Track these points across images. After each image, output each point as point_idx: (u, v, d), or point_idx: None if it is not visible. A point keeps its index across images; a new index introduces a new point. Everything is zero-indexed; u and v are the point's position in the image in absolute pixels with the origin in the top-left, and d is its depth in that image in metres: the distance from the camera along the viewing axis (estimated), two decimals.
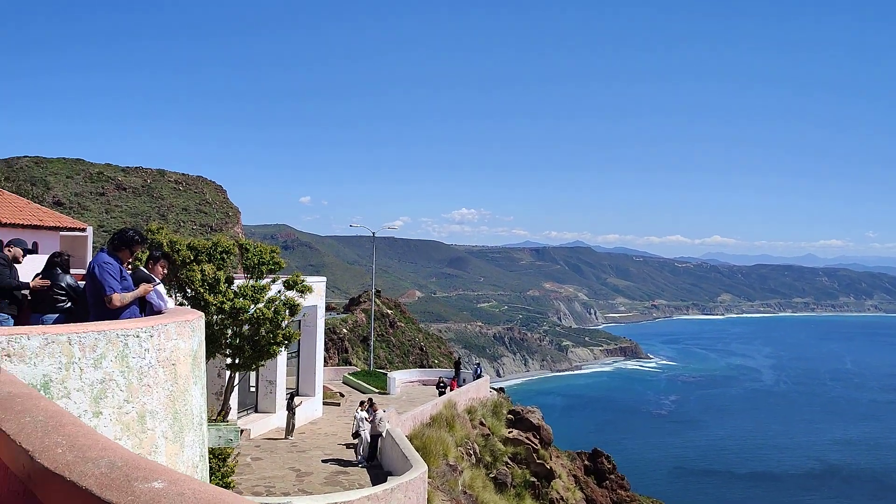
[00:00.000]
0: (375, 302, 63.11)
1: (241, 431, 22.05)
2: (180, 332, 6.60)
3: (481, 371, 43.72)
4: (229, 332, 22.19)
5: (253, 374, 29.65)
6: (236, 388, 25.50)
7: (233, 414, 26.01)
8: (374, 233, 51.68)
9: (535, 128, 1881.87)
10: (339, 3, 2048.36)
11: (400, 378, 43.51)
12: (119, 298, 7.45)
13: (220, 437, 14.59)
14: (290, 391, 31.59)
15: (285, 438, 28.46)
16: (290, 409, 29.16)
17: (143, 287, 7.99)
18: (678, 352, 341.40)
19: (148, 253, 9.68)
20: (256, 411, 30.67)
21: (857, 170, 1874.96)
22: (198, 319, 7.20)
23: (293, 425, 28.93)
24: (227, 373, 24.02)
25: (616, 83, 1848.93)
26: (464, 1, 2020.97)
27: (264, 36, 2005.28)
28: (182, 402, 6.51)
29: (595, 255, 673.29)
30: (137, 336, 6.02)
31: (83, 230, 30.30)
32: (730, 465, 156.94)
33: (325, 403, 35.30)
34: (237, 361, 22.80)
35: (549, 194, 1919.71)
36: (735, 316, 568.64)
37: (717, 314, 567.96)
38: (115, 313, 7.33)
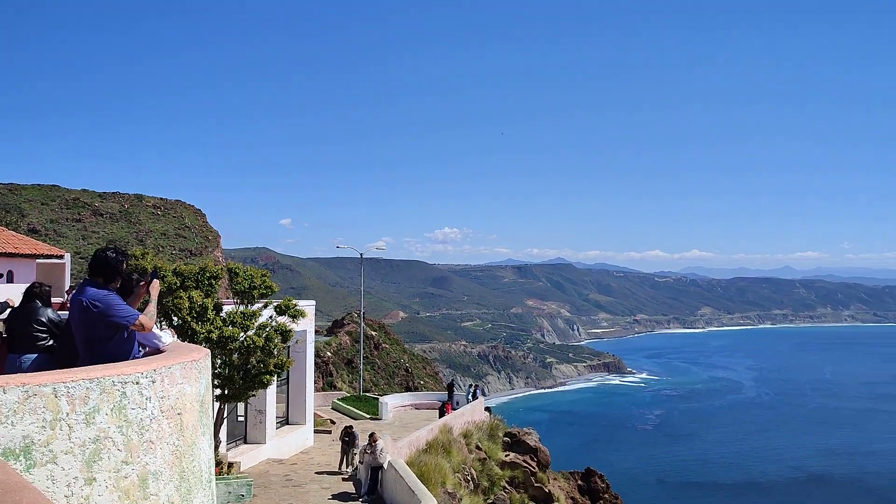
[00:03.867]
0: (360, 323, 61.88)
1: (251, 485, 20.68)
2: (186, 375, 5.54)
3: (478, 393, 42.64)
4: (218, 361, 21.07)
5: (241, 404, 28.43)
6: (225, 420, 24.27)
7: (221, 448, 24.75)
8: (361, 254, 50.66)
9: (516, 145, 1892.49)
10: (315, 18, 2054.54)
11: (392, 403, 42.32)
12: (146, 319, 6.46)
13: (230, 492, 13.34)
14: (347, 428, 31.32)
15: (339, 470, 27.71)
16: (345, 440, 28.45)
17: (154, 286, 7.06)
18: (661, 366, 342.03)
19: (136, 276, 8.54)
20: (245, 442, 29.39)
21: (831, 182, 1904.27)
22: (204, 358, 6.12)
23: (350, 458, 28.04)
24: (216, 405, 22.81)
25: (593, 101, 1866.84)
26: (438, 12, 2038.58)
27: (239, 56, 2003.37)
28: (189, 458, 5.46)
29: (576, 271, 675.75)
30: (137, 382, 4.94)
31: (61, 257, 29.04)
32: (715, 476, 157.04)
33: (316, 431, 34.10)
34: (227, 392, 21.63)
35: (530, 212, 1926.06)
36: (715, 329, 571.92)
37: (697, 327, 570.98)
38: (113, 353, 6.27)
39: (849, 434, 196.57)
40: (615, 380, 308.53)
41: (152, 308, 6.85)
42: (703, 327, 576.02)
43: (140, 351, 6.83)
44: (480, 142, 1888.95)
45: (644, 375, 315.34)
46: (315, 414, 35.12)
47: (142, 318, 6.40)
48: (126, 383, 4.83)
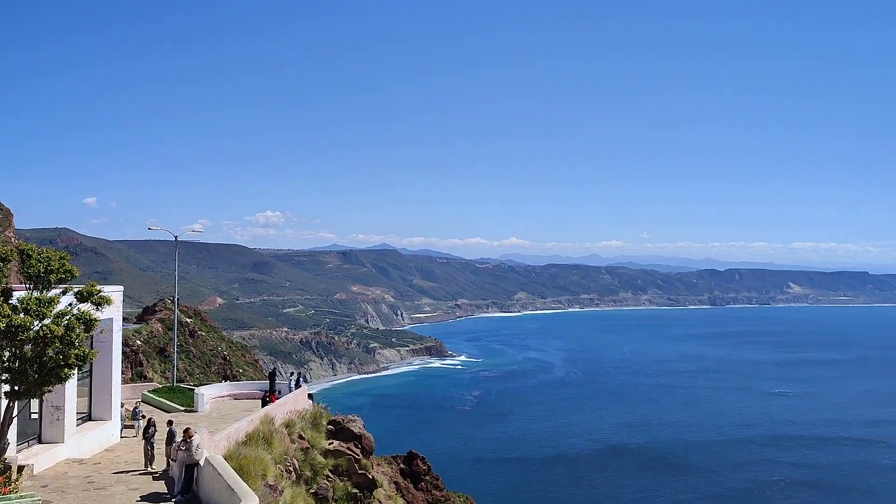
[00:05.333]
0: (174, 310, 58.32)
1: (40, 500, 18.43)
2: None
3: (301, 381, 41.54)
4: (6, 353, 18.75)
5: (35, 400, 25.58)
6: (15, 419, 21.70)
7: (11, 450, 22.13)
8: (176, 237, 47.52)
9: (341, 129, 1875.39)
10: None
11: (209, 393, 40.15)
12: None
13: None
14: (137, 411, 28.22)
15: (145, 469, 25.47)
16: (147, 435, 26.18)
17: None
18: (480, 348, 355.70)
19: None
20: (40, 442, 26.52)
21: (633, 174, 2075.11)
22: None
23: (153, 453, 25.81)
24: (4, 402, 20.30)
25: (419, 94, 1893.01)
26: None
27: (29, 17, 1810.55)
28: None
29: (401, 257, 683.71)
30: None
31: None
32: (527, 451, 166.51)
33: (124, 427, 31.60)
34: (17, 388, 19.33)
35: (356, 197, 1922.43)
36: (530, 312, 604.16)
37: (514, 311, 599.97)
38: None
39: (645, 408, 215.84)
40: (436, 363, 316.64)
41: None
42: (520, 311, 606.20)
43: None
44: (305, 121, 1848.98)
45: (463, 358, 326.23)
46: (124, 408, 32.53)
47: None
48: None
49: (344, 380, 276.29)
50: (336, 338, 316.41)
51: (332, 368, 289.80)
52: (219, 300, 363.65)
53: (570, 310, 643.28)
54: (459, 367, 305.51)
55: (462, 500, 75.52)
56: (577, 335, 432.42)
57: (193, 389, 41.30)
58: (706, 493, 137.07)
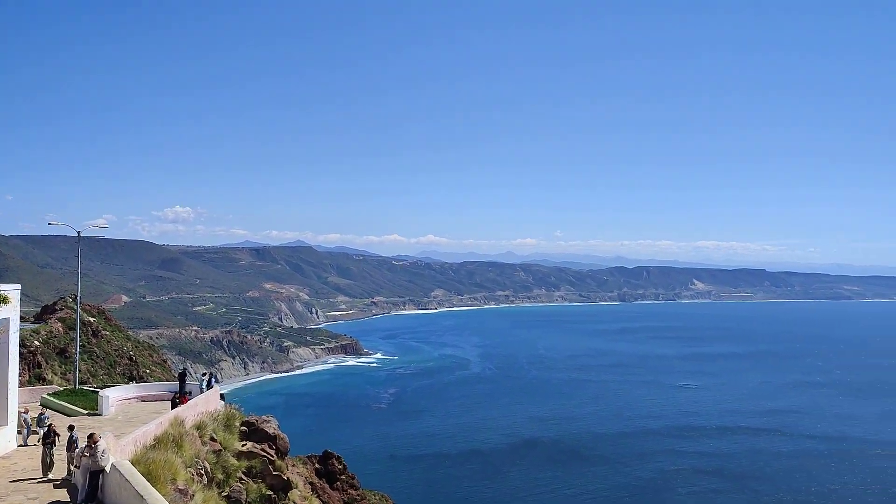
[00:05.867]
0: (76, 308, 55.71)
1: None
2: None
3: (212, 381, 40.34)
4: None
5: None
6: None
7: None
8: (79, 232, 45.30)
9: (252, 122, 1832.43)
10: None
11: (114, 396, 38.52)
12: None
13: None
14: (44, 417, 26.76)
15: (44, 477, 24.12)
16: (47, 441, 24.79)
17: None
18: (396, 346, 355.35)
19: None
20: None
21: (547, 174, 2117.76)
22: None
23: (52, 460, 24.43)
24: None
25: (330, 89, 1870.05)
26: None
27: None
28: None
29: (316, 254, 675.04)
30: None
31: None
32: (442, 447, 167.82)
33: (31, 432, 29.95)
34: None
35: (270, 193, 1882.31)
36: (447, 310, 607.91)
37: (431, 308, 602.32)
38: None
39: (557, 402, 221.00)
40: (352, 361, 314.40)
41: None
42: (437, 308, 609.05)
43: None
44: (215, 113, 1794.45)
45: (379, 356, 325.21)
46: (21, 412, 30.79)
47: None
48: None
49: (257, 379, 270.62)
50: (249, 336, 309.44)
51: (245, 368, 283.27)
52: (124, 298, 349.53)
53: (486, 306, 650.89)
54: (375, 364, 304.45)
55: (378, 498, 75.48)
56: (492, 331, 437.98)
57: (97, 392, 39.55)
58: (614, 484, 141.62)
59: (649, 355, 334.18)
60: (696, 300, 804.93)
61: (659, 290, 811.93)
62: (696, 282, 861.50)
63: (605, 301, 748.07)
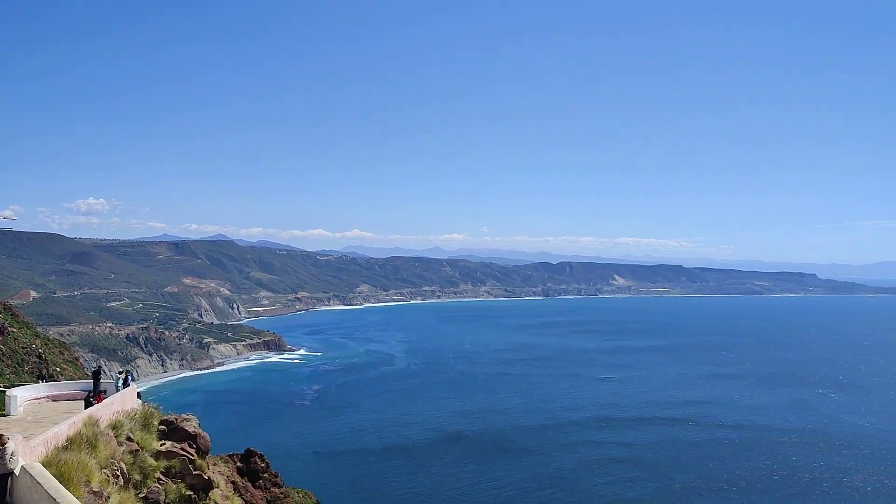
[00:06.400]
0: None
1: None
2: None
3: (129, 379, 38.95)
4: None
5: None
6: None
7: None
8: None
9: (170, 112, 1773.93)
10: None
11: (23, 395, 36.70)
12: None
13: None
14: None
15: None
16: None
17: None
18: (321, 342, 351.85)
19: None
20: None
21: (471, 170, 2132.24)
22: None
23: None
24: None
25: (251, 69, 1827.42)
26: None
27: None
28: None
29: (238, 248, 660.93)
30: None
31: None
32: (368, 443, 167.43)
33: None
34: None
35: (190, 185, 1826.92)
36: (373, 305, 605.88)
37: (356, 304, 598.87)
38: None
39: (482, 396, 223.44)
40: (274, 357, 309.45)
41: None
42: (362, 303, 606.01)
43: None
44: (130, 102, 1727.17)
45: (303, 352, 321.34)
46: None
47: None
48: None
49: (175, 377, 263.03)
50: (167, 333, 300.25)
51: (163, 365, 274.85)
52: (33, 294, 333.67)
53: (412, 302, 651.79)
54: (299, 361, 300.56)
55: (301, 495, 74.74)
56: (418, 327, 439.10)
57: (4, 391, 37.63)
58: (536, 474, 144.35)
59: (572, 349, 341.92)
60: (616, 295, 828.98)
61: (581, 285, 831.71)
62: (616, 277, 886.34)
63: (530, 296, 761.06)
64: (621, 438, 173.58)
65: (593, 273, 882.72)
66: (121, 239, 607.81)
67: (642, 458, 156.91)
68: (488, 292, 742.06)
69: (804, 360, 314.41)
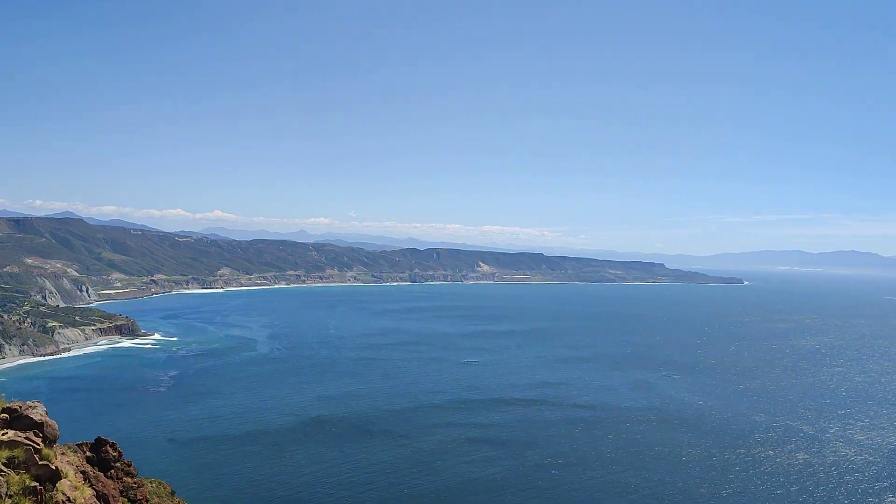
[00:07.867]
0: None
1: None
2: None
3: None
4: None
5: None
6: None
7: None
8: None
9: (10, 71, 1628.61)
10: None
11: None
12: None
13: None
14: None
15: None
16: None
17: None
18: (178, 327, 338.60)
19: None
20: None
21: (340, 152, 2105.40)
22: None
23: None
24: None
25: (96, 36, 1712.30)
26: None
27: None
28: None
29: (88, 227, 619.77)
30: None
31: None
32: (227, 429, 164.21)
33: None
34: None
35: (32, 156, 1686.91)
36: (234, 289, 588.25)
37: (217, 287, 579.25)
38: None
39: (346, 380, 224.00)
40: (127, 342, 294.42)
41: None
42: (223, 287, 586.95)
43: None
44: None
45: (158, 336, 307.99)
46: None
47: None
48: None
49: (15, 363, 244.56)
50: (6, 316, 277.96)
51: (1, 351, 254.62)
52: None
53: (276, 286, 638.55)
54: (154, 346, 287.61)
55: (155, 485, 72.83)
56: (282, 311, 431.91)
57: None
58: (397, 456, 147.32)
59: (436, 333, 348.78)
60: (481, 281, 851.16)
61: (448, 272, 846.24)
62: (481, 264, 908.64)
63: (397, 281, 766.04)
64: (480, 420, 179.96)
65: (459, 259, 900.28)
66: None
67: (499, 438, 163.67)
68: (355, 277, 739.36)
69: (650, 344, 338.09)
